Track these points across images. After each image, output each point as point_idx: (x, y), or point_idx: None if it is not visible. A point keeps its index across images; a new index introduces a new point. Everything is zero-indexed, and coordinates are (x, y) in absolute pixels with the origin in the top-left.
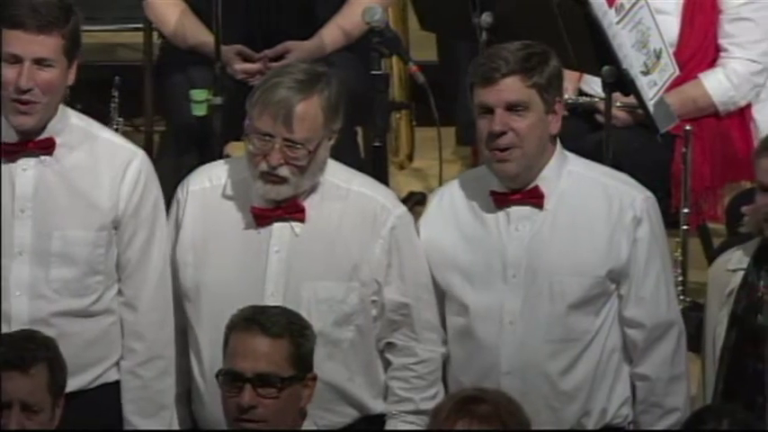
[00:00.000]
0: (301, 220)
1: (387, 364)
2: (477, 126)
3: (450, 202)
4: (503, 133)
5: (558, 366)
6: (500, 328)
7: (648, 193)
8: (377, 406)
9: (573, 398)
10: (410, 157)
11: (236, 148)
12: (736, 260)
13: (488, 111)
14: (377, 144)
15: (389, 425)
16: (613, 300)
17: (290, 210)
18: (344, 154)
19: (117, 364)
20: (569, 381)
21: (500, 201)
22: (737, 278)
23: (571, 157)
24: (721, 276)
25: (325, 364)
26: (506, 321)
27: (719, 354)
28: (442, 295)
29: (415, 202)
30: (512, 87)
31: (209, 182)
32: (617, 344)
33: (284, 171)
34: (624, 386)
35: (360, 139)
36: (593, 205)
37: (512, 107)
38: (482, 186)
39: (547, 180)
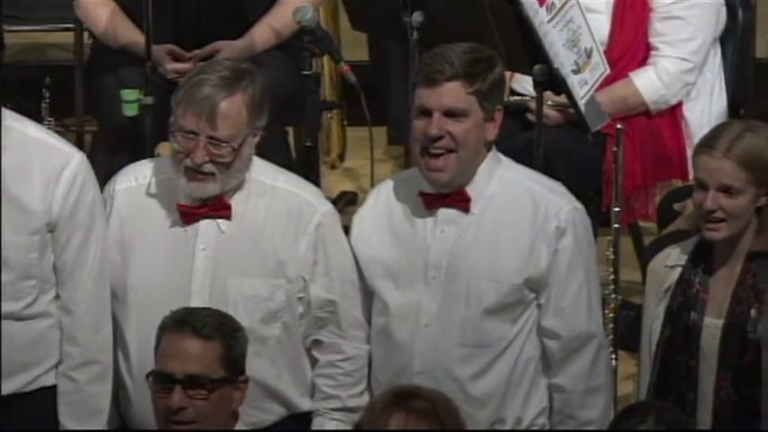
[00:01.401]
0: (227, 218)
1: (314, 362)
2: (413, 125)
3: (386, 201)
4: (439, 137)
5: (468, 371)
6: (415, 329)
7: (577, 204)
8: (304, 403)
9: (484, 404)
10: (341, 157)
11: (167, 148)
12: (675, 257)
13: (427, 112)
14: (308, 144)
15: (316, 422)
16: (532, 308)
17: (216, 207)
18: (275, 154)
19: (56, 367)
20: (480, 386)
21: (429, 202)
22: (675, 275)
23: (505, 161)
24: (659, 272)
25: (252, 362)
26: (422, 323)
27: (654, 349)
28: (371, 294)
29: (347, 202)
30: (453, 93)
31: (136, 180)
32: (534, 353)
33: (209, 167)
34: (542, 396)
35: (291, 139)
36: (518, 212)
37: (450, 113)
38: (415, 187)
39: (476, 184)
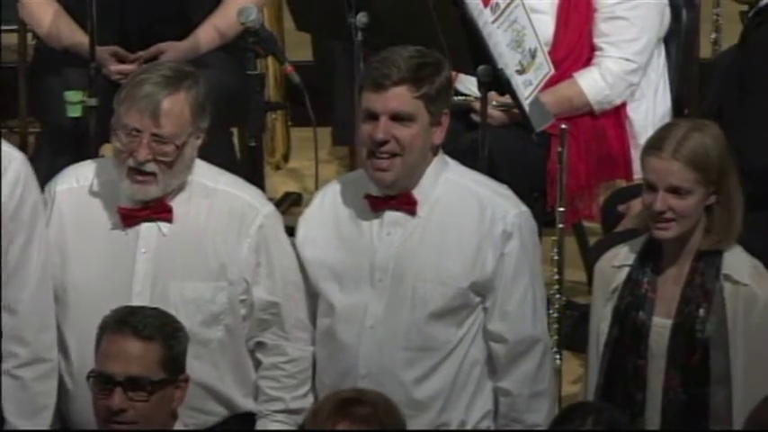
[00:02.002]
0: (169, 221)
1: (257, 364)
2: (361, 129)
3: (332, 202)
4: (385, 141)
5: (413, 374)
6: (361, 331)
7: (523, 208)
8: (247, 404)
9: (427, 407)
10: (286, 158)
11: (111, 150)
12: (623, 257)
13: (373, 117)
14: (252, 144)
15: (260, 424)
16: (478, 312)
17: (158, 210)
18: (220, 154)
19: None
20: (423, 390)
21: (375, 205)
22: (622, 275)
23: (452, 164)
24: (607, 273)
25: (193, 364)
26: (368, 325)
27: (602, 350)
28: (316, 295)
29: (291, 203)
30: (399, 97)
31: (77, 182)
32: (480, 357)
33: (152, 167)
34: (486, 399)
35: (235, 140)
36: (465, 215)
37: (397, 117)
38: (361, 189)
39: (422, 187)
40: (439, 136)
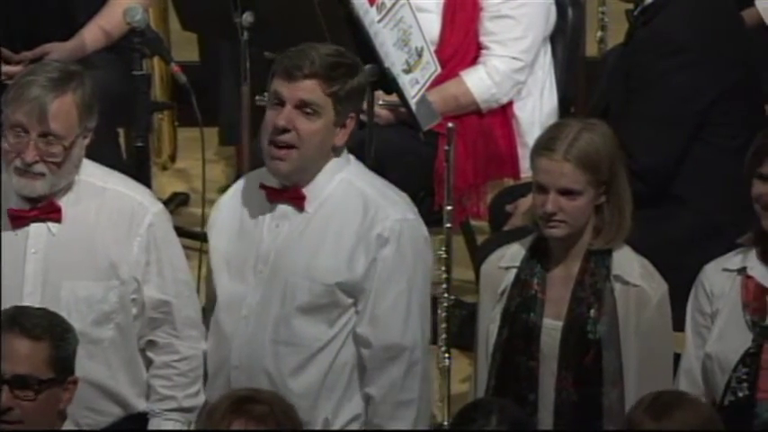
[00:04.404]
0: (58, 221)
1: (148, 363)
2: (266, 116)
3: (243, 192)
4: (286, 130)
5: (282, 368)
6: (237, 321)
7: (408, 215)
8: (140, 404)
9: (294, 403)
10: (173, 158)
11: None
12: (509, 258)
13: (280, 103)
14: (139, 145)
15: (152, 424)
16: (351, 313)
17: (46, 210)
18: (106, 155)
19: None
20: (291, 385)
21: (269, 195)
22: (510, 276)
23: (354, 165)
24: (494, 274)
25: (85, 364)
26: (243, 314)
27: (492, 352)
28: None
29: (179, 203)
30: (309, 89)
31: None
32: (351, 359)
33: (40, 167)
34: (356, 403)
35: (122, 140)
36: (348, 215)
37: (303, 106)
38: (264, 180)
39: (315, 184)
40: (341, 138)
